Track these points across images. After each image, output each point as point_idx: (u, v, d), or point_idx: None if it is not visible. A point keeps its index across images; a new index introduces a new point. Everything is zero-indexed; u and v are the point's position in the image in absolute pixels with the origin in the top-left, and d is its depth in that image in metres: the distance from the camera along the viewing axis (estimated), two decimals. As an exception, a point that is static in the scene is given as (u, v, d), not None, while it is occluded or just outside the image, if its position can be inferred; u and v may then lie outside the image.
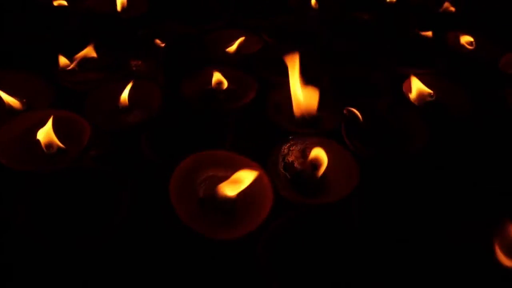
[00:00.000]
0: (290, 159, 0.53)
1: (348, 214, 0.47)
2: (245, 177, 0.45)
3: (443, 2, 0.87)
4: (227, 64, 0.66)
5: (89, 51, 0.64)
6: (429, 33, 0.77)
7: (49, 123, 0.53)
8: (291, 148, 0.53)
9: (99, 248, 0.45)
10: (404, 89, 0.64)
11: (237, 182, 0.45)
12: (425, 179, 0.54)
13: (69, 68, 0.62)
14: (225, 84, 0.61)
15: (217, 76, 0.60)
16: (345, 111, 0.56)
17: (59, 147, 0.53)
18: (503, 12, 0.86)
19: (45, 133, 0.51)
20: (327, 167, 0.52)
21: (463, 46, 0.77)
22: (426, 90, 0.63)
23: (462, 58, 0.75)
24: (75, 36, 0.72)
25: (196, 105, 0.59)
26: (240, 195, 0.47)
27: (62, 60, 0.62)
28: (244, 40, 0.72)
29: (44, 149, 0.52)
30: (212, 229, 0.44)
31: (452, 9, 0.86)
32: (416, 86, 0.64)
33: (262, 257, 0.41)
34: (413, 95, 0.64)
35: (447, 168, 0.56)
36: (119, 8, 0.78)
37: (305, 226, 0.45)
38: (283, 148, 0.53)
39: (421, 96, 0.64)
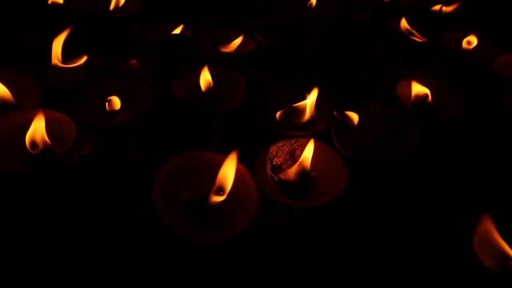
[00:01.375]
0: (278, 161, 0.52)
1: (336, 217, 0.47)
2: (229, 172, 0.44)
3: (439, 3, 0.86)
4: (218, 64, 0.65)
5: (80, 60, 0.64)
6: (424, 34, 0.76)
7: (38, 122, 0.52)
8: (279, 150, 0.53)
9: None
10: (397, 91, 0.63)
11: (222, 183, 0.45)
12: (416, 182, 0.53)
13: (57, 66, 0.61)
14: (212, 84, 0.60)
15: (204, 76, 0.59)
16: (335, 113, 0.55)
17: (45, 147, 0.52)
18: (498, 13, 0.85)
19: (32, 132, 0.50)
20: (316, 170, 0.51)
21: (458, 47, 0.76)
22: (424, 91, 0.62)
23: (457, 59, 0.74)
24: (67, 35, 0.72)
25: (184, 105, 0.58)
26: (227, 198, 0.46)
27: (55, 54, 0.61)
28: (240, 41, 0.72)
29: (29, 148, 0.51)
30: (195, 232, 0.43)
31: (447, 9, 0.85)
32: (415, 88, 0.63)
33: (246, 260, 0.41)
34: (408, 97, 0.63)
35: (438, 171, 0.55)
36: (112, 6, 0.78)
37: (291, 229, 0.45)
38: (271, 150, 0.52)
39: (417, 98, 0.63)
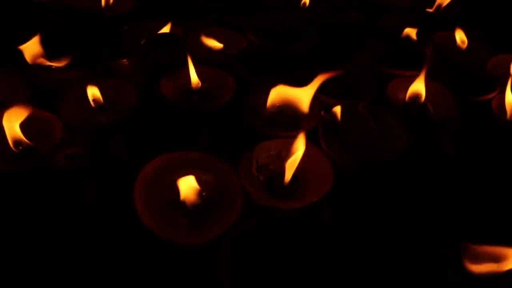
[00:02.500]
0: (264, 161, 0.52)
1: (320, 219, 0.46)
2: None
3: (433, 3, 0.85)
4: (209, 63, 0.65)
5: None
6: (416, 33, 0.75)
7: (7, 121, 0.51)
8: (265, 150, 0.52)
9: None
10: (388, 91, 0.62)
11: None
12: (402, 183, 0.52)
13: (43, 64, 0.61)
14: (199, 83, 0.59)
15: (193, 75, 0.59)
16: (322, 113, 0.55)
17: (28, 145, 0.52)
18: (493, 14, 0.85)
19: (11, 130, 0.50)
20: (303, 170, 0.51)
21: (451, 47, 0.76)
22: (419, 91, 0.62)
23: (450, 59, 0.73)
24: (55, 32, 0.71)
25: (172, 104, 0.58)
26: (210, 198, 0.46)
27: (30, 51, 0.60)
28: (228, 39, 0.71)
29: (13, 147, 0.51)
30: (177, 232, 0.43)
31: (441, 9, 0.84)
32: (412, 87, 0.62)
33: (226, 262, 0.40)
34: (399, 97, 0.63)
35: (426, 172, 0.54)
36: (103, 4, 0.77)
37: (274, 230, 0.44)
38: (257, 149, 0.51)
39: (410, 97, 0.63)
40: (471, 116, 0.63)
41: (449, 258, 0.43)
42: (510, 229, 0.49)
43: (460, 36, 0.75)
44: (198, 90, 0.60)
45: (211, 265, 0.43)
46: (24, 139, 0.51)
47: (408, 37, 0.76)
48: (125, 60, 0.65)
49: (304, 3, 0.85)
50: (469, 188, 0.54)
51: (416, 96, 0.62)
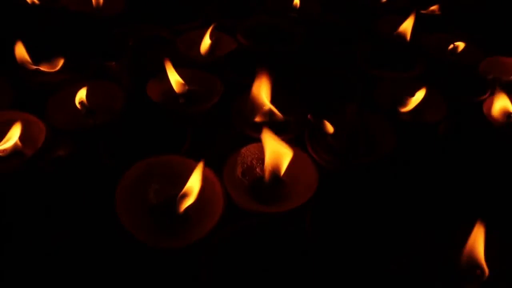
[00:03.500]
0: (249, 164, 0.51)
1: (302, 225, 0.45)
2: (195, 184, 0.44)
3: (427, 5, 0.85)
4: (197, 66, 0.65)
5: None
6: (408, 35, 0.75)
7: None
8: (250, 153, 0.52)
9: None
10: (376, 93, 0.62)
11: (189, 193, 0.44)
12: (388, 189, 0.52)
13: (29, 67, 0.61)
14: (185, 86, 0.59)
15: (176, 78, 0.58)
16: (309, 117, 0.54)
17: (14, 148, 0.52)
18: (484, 16, 0.84)
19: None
20: (288, 174, 0.50)
21: (442, 49, 0.75)
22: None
23: (441, 61, 0.72)
24: (47, 35, 0.71)
25: (158, 107, 0.57)
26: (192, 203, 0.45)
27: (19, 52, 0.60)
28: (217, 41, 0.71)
29: (-2, 149, 0.50)
30: (157, 236, 0.42)
31: (433, 11, 0.84)
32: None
33: (204, 268, 0.40)
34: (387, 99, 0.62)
35: (413, 177, 0.54)
36: (93, 6, 0.77)
37: (254, 235, 0.44)
38: (241, 153, 0.51)
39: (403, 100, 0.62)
40: (463, 118, 0.62)
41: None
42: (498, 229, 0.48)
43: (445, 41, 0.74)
44: (184, 93, 0.60)
45: (194, 269, 0.43)
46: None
47: (399, 38, 0.76)
48: (112, 63, 0.65)
49: (295, 5, 0.84)
50: (459, 190, 0.53)
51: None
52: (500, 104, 0.61)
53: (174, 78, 0.58)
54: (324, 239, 0.45)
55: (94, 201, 0.49)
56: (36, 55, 0.64)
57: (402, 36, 0.75)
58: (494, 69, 0.70)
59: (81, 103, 0.56)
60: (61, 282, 0.44)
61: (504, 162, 0.56)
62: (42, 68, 0.62)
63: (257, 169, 0.52)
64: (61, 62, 0.64)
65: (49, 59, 0.64)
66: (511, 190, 0.54)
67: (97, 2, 0.77)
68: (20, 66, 0.61)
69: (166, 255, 0.44)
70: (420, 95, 0.60)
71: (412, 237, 0.45)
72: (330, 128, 0.54)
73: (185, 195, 0.44)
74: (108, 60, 0.69)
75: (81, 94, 0.58)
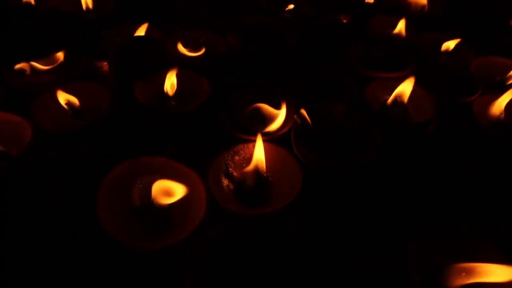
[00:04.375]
0: (234, 166, 0.51)
1: (286, 226, 0.45)
2: (177, 191, 0.43)
3: (422, 5, 0.84)
4: (186, 66, 0.64)
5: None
6: (402, 35, 0.74)
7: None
8: (235, 155, 0.51)
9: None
10: (365, 93, 0.61)
11: (170, 193, 0.44)
12: (374, 189, 0.51)
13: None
14: (173, 87, 0.59)
15: (173, 81, 0.58)
16: (296, 116, 0.54)
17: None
18: (477, 16, 0.83)
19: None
20: (273, 175, 0.50)
21: (435, 49, 0.75)
22: (404, 93, 0.60)
23: (433, 61, 0.72)
24: (36, 36, 0.71)
25: (144, 108, 0.57)
26: (175, 205, 0.45)
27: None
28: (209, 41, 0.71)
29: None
30: (137, 238, 0.42)
31: (426, 10, 0.83)
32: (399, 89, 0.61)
33: (187, 271, 0.39)
34: (377, 99, 0.62)
35: (401, 177, 0.53)
36: (83, 8, 0.77)
37: (239, 237, 0.43)
38: (226, 154, 0.51)
39: (393, 100, 0.62)
40: (452, 118, 0.62)
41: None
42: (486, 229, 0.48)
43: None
44: (168, 94, 0.59)
45: (176, 270, 0.43)
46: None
47: (392, 39, 0.75)
48: (101, 64, 0.65)
49: (288, 5, 0.84)
50: (448, 190, 0.53)
51: (399, 99, 0.61)
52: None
53: (171, 82, 0.57)
54: (309, 239, 0.45)
55: (77, 202, 0.49)
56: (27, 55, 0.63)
57: (394, 36, 0.75)
58: (486, 69, 0.70)
59: (68, 103, 0.56)
60: (44, 283, 0.43)
61: (493, 162, 0.56)
62: (37, 65, 0.61)
63: (243, 171, 0.51)
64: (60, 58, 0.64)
65: (45, 55, 0.64)
66: (500, 189, 0.53)
67: (87, 3, 0.77)
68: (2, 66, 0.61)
69: (148, 257, 0.43)
70: (408, 84, 0.59)
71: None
72: (317, 127, 0.53)
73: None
74: (97, 61, 0.69)
75: (67, 95, 0.57)
